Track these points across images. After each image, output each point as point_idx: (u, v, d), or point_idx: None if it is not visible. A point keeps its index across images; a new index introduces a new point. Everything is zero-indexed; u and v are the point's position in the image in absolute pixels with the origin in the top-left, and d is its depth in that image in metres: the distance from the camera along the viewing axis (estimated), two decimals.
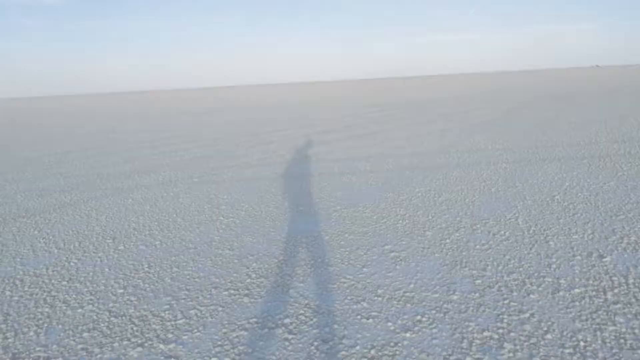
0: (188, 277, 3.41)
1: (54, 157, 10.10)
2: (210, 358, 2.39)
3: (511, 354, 2.29)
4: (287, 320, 2.72)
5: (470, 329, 2.53)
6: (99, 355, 2.45)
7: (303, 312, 2.82)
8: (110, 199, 6.00)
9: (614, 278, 3.03)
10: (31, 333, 2.71)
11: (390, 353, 2.35)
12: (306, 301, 2.95)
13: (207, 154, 9.41)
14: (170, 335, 2.62)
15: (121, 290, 3.23)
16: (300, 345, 2.46)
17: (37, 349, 2.55)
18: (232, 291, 3.14)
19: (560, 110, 14.56)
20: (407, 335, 2.50)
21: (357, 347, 2.41)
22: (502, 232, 3.98)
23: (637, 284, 2.93)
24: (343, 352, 2.38)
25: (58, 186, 6.95)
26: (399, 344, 2.42)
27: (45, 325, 2.80)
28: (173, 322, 2.77)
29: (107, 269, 3.63)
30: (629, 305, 2.68)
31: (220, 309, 2.91)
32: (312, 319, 2.72)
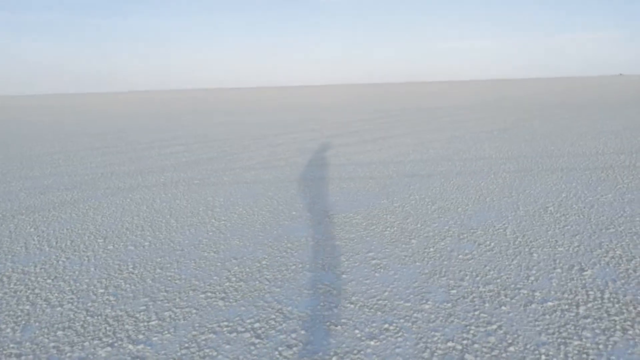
0: (169, 278, 3.46)
1: (63, 155, 10.27)
2: None
3: None
4: (256, 325, 2.76)
5: (435, 339, 2.54)
6: (69, 354, 2.51)
7: (274, 317, 2.85)
8: (109, 198, 6.09)
9: (590, 292, 3.01)
10: (8, 330, 2.78)
11: None
12: (280, 306, 2.98)
13: (212, 156, 9.50)
14: (141, 336, 2.67)
15: (102, 290, 3.30)
16: (264, 350, 2.49)
17: (11, 345, 2.61)
18: (209, 294, 3.19)
19: (572, 120, 14.41)
20: (372, 343, 2.52)
21: (320, 354, 2.44)
22: (488, 243, 3.97)
23: (612, 299, 2.90)
24: (306, 358, 2.40)
25: (62, 184, 7.08)
26: (362, 352, 2.44)
27: (23, 322, 2.87)
28: (146, 323, 2.82)
29: (92, 269, 3.70)
30: (599, 320, 2.66)
31: (194, 311, 2.95)
32: (281, 324, 2.75)
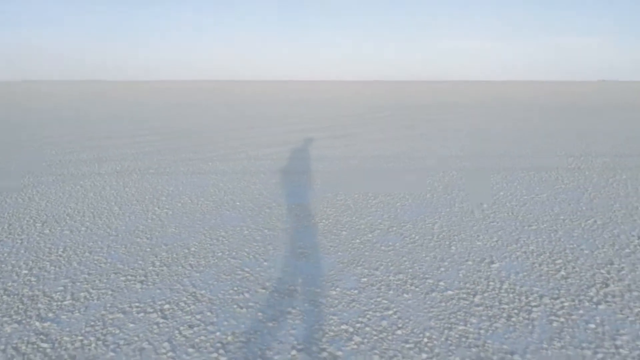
0: (95, 262, 3.55)
1: (38, 143, 10.22)
2: (77, 336, 2.52)
3: (355, 346, 2.43)
4: (166, 306, 2.86)
5: (331, 322, 2.67)
6: None
7: (185, 299, 2.95)
8: (59, 184, 6.13)
9: (491, 283, 3.17)
10: None
11: (245, 339, 2.49)
12: (194, 290, 3.09)
13: (176, 147, 9.54)
14: (50, 315, 2.76)
15: (26, 271, 3.37)
16: (166, 329, 2.60)
17: None
18: (129, 277, 3.28)
19: (541, 122, 14.71)
20: (270, 324, 2.64)
21: (217, 333, 2.55)
22: (413, 236, 4.12)
23: (509, 290, 3.07)
24: (202, 337, 2.52)
25: (17, 171, 7.08)
26: (259, 332, 2.56)
27: None
28: (60, 303, 2.90)
29: (23, 251, 3.77)
30: (489, 308, 2.82)
31: (110, 292, 3.05)
32: (190, 307, 2.86)
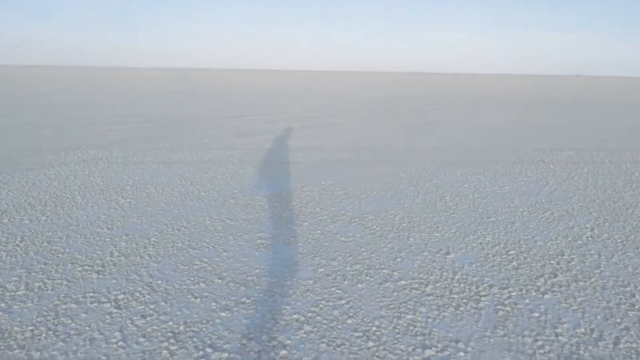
0: (53, 252, 3.53)
1: (9, 130, 10.02)
2: (28, 327, 2.52)
3: (305, 335, 2.48)
4: (120, 296, 2.87)
5: (284, 311, 2.71)
6: None
7: (141, 289, 2.97)
8: (23, 173, 6.04)
9: (444, 273, 3.25)
10: None
11: (197, 329, 2.52)
12: (150, 280, 3.10)
13: (152, 135, 9.45)
14: (2, 305, 2.74)
15: None
16: (119, 319, 2.61)
17: None
18: (86, 267, 3.27)
19: (516, 116, 14.93)
20: (223, 314, 2.67)
21: (170, 323, 2.58)
22: (374, 227, 4.18)
23: (461, 280, 3.15)
24: (154, 327, 2.54)
25: None
26: (211, 322, 2.59)
27: None
28: (13, 293, 2.89)
29: None
30: (439, 297, 2.89)
31: (65, 282, 3.04)
32: (145, 297, 2.87)
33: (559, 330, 2.56)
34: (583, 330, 2.56)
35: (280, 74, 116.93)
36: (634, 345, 2.43)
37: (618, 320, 2.67)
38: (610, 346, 2.42)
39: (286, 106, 17.10)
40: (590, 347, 2.40)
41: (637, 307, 2.82)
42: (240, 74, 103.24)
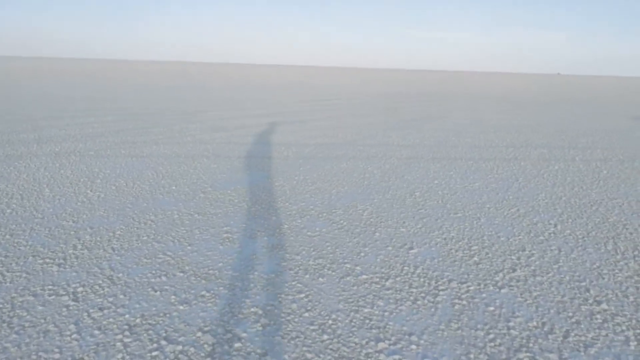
0: (15, 244, 3.49)
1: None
2: None
3: (261, 328, 2.50)
4: (79, 289, 2.86)
5: (243, 304, 2.73)
6: None
7: (101, 282, 2.95)
8: None
9: (405, 268, 3.29)
10: None
11: (154, 322, 2.52)
12: (111, 273, 3.09)
13: (123, 128, 9.36)
14: None
15: None
16: (75, 312, 2.60)
17: None
18: (47, 260, 3.25)
19: (495, 114, 15.09)
20: (181, 307, 2.68)
21: (127, 316, 2.57)
22: (342, 222, 4.21)
23: (421, 274, 3.19)
24: (110, 319, 2.53)
25: None
26: (168, 315, 2.60)
27: None
28: None
29: None
30: (398, 292, 2.93)
31: (25, 275, 3.01)
32: (104, 289, 2.87)
33: (511, 323, 2.61)
34: (535, 323, 2.62)
35: (280, 68, 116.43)
36: (583, 338, 2.49)
37: (570, 314, 2.73)
38: (560, 339, 2.48)
39: (261, 101, 17.05)
40: (540, 340, 2.46)
41: (589, 301, 2.89)
42: (241, 68, 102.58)
